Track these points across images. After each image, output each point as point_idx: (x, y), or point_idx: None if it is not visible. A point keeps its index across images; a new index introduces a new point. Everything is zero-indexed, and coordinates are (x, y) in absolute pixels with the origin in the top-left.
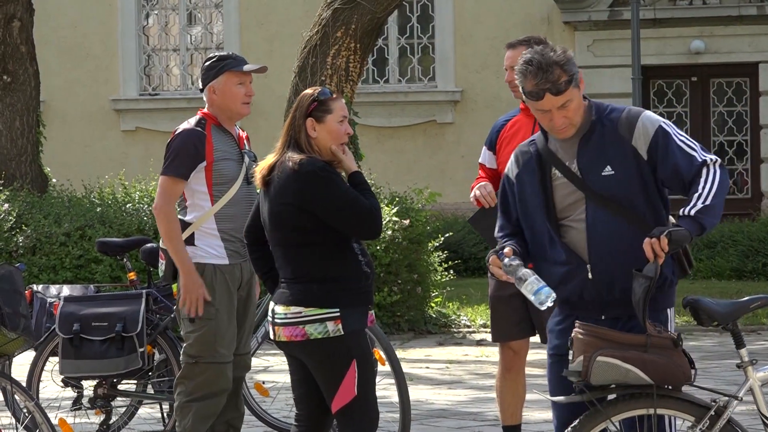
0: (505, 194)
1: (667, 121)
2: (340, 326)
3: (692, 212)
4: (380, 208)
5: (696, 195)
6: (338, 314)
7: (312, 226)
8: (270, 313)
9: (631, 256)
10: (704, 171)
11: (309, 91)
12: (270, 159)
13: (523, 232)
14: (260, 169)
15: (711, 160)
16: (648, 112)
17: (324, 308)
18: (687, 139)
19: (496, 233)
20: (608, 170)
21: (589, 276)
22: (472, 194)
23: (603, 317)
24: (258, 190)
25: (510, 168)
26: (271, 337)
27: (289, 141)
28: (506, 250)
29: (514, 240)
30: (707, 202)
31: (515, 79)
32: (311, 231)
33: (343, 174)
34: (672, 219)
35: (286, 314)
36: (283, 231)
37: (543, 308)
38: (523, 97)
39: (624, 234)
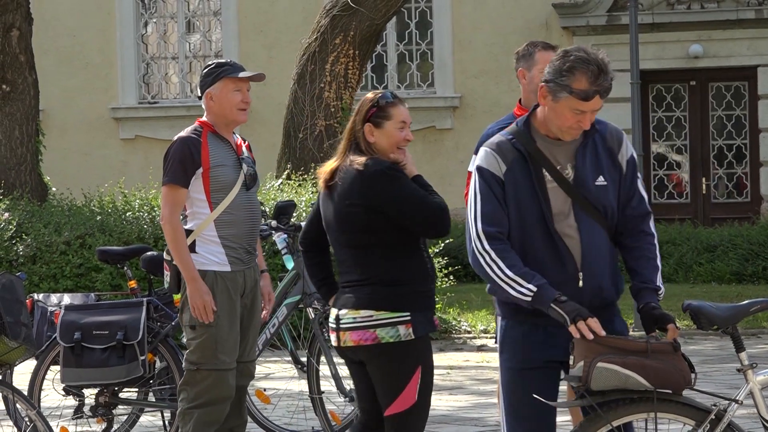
0: (492, 191)
1: None
2: (410, 330)
3: (660, 293)
4: (448, 208)
5: (653, 265)
6: (409, 318)
7: (381, 226)
8: (333, 319)
9: (609, 264)
10: (651, 226)
11: (370, 95)
12: (332, 163)
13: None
14: (322, 173)
15: (651, 213)
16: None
17: (395, 312)
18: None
19: (488, 227)
20: (601, 180)
21: (580, 284)
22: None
23: None
24: (254, 197)
25: (492, 164)
26: (333, 343)
27: (351, 145)
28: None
29: (510, 245)
30: (660, 266)
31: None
32: (380, 231)
33: None
34: None
35: (355, 318)
36: (352, 233)
37: None
38: (560, 94)
39: (606, 243)
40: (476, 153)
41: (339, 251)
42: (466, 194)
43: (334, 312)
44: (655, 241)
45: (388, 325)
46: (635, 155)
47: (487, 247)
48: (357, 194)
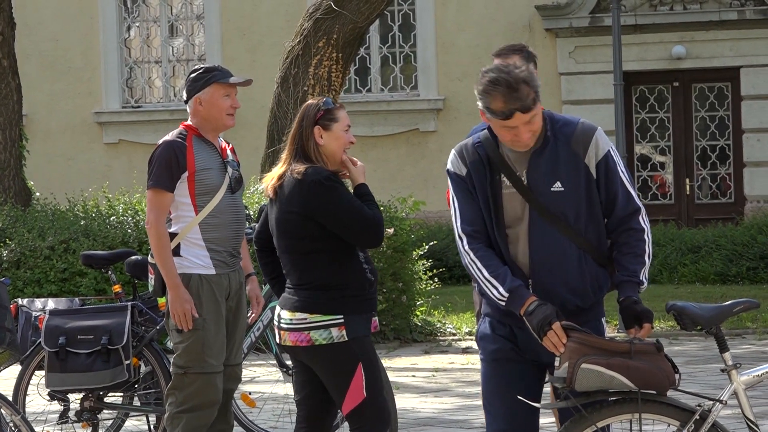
0: (464, 188)
1: (615, 149)
2: (344, 332)
3: (643, 279)
4: (382, 219)
5: (639, 261)
6: (342, 321)
7: (317, 234)
8: (276, 318)
9: (569, 272)
10: (641, 222)
11: (313, 101)
12: (278, 170)
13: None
14: (269, 179)
15: (643, 210)
16: (601, 130)
17: (328, 315)
18: (628, 175)
19: (466, 226)
20: (558, 186)
21: (530, 291)
22: None
23: None
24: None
25: (455, 165)
26: (277, 340)
27: (296, 150)
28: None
29: (487, 243)
30: (647, 261)
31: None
32: (317, 239)
33: (349, 185)
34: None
35: (291, 320)
36: (290, 239)
37: None
38: (487, 114)
39: (565, 250)
40: None
41: (281, 255)
42: (448, 196)
43: (277, 310)
44: (645, 236)
45: (321, 327)
46: (613, 154)
47: (467, 247)
48: (295, 203)
